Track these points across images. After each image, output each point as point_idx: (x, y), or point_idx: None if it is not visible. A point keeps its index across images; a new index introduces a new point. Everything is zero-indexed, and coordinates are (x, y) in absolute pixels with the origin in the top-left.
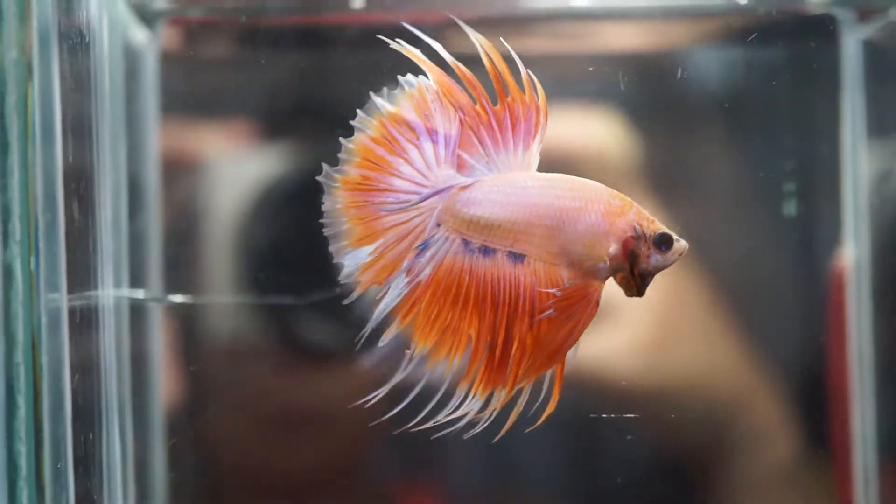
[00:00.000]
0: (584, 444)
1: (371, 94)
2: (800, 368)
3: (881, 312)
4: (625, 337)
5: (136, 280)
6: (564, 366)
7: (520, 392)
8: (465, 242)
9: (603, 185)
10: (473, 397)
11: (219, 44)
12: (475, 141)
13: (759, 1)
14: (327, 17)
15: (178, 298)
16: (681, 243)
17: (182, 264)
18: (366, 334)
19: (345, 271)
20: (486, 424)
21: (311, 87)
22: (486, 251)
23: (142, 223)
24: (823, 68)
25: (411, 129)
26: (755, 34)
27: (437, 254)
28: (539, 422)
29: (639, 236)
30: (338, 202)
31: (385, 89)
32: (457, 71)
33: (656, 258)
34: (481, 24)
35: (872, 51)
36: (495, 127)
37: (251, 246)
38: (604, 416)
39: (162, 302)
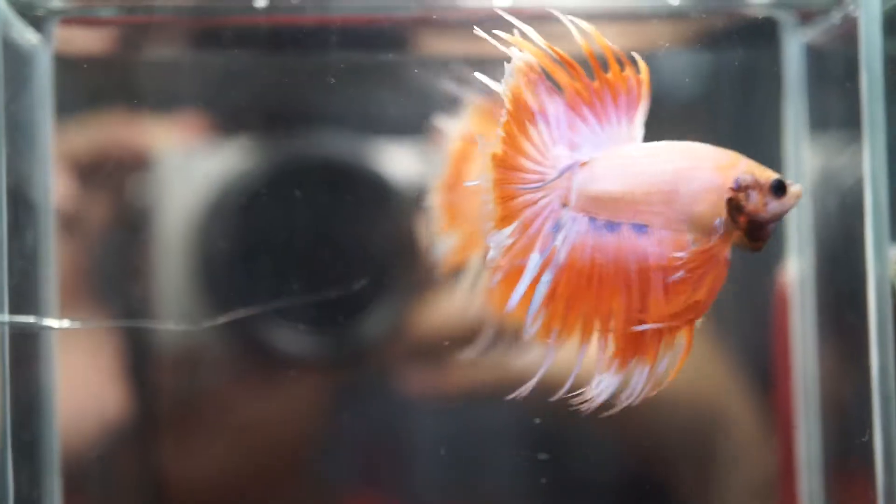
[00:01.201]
0: (557, 456)
1: (506, 63)
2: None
3: (826, 331)
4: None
5: (26, 302)
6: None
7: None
8: (591, 220)
9: (707, 144)
10: (614, 374)
11: (119, 43)
12: (579, 120)
13: (700, 4)
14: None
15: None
16: (796, 187)
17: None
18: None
19: (490, 255)
20: (631, 400)
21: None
22: (611, 227)
23: (31, 238)
24: (765, 72)
25: (529, 109)
26: (667, 44)
27: (569, 235)
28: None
29: (753, 185)
30: (488, 179)
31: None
32: (553, 53)
33: (773, 205)
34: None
35: (814, 54)
36: (598, 104)
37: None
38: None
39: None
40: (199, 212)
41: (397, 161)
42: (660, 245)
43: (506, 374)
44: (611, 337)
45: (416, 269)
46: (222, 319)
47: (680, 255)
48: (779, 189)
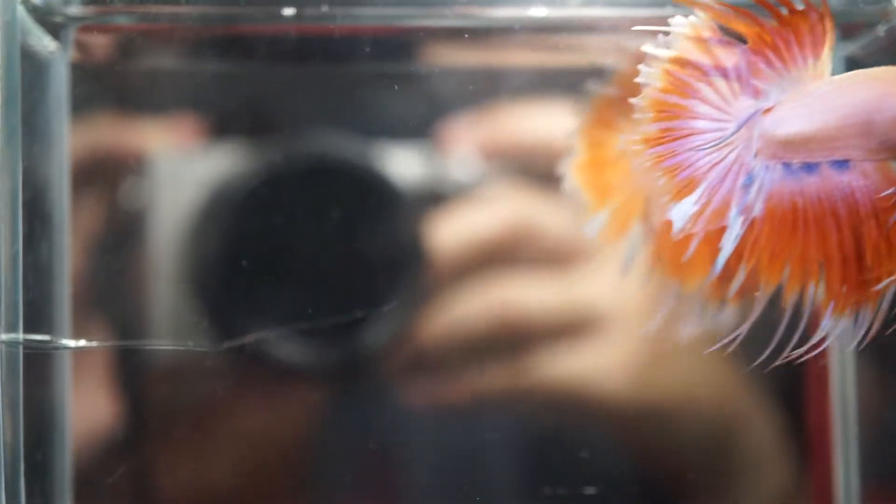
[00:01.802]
0: (564, 465)
1: (646, 46)
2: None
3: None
4: (613, 352)
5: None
6: None
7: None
8: (786, 166)
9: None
10: (841, 319)
11: (137, 51)
12: (764, 66)
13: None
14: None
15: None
16: None
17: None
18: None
19: (675, 228)
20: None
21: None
22: (808, 168)
23: (46, 252)
24: None
25: (698, 68)
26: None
27: (763, 185)
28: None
29: None
30: (646, 161)
31: (660, 36)
32: (724, 6)
33: None
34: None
35: (853, 67)
36: (782, 46)
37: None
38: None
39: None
40: (195, 215)
41: (401, 163)
42: (865, 177)
43: (512, 383)
44: (823, 283)
45: (422, 275)
46: (241, 341)
47: (890, 191)
48: None
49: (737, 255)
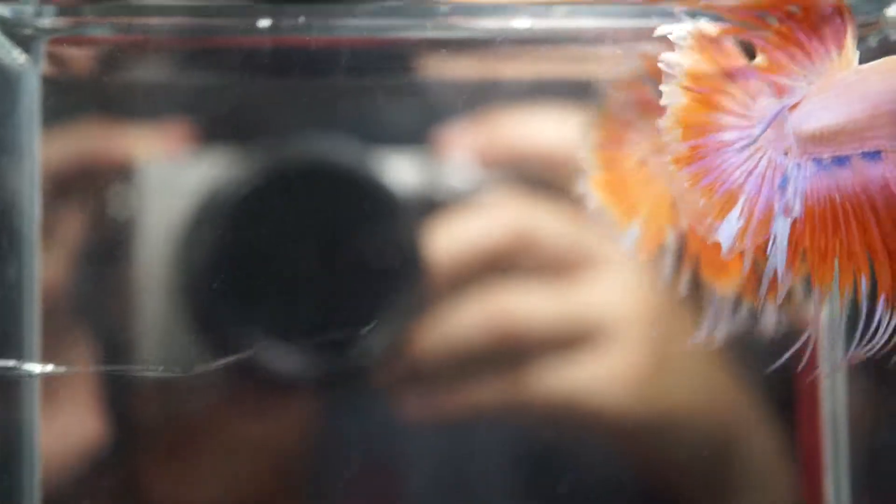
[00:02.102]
0: (563, 477)
1: (660, 59)
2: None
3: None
4: (614, 364)
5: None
6: None
7: None
8: (817, 161)
9: None
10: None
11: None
12: (787, 61)
13: None
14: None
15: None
16: None
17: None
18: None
19: (724, 248)
20: None
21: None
22: (840, 161)
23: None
24: None
25: (714, 78)
26: None
27: (798, 184)
28: None
29: None
30: (683, 183)
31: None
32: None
33: None
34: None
35: None
36: (803, 40)
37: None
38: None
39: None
40: (186, 224)
41: (397, 170)
42: None
43: (509, 395)
44: (869, 277)
45: (419, 284)
46: (214, 364)
47: None
48: None
49: (788, 258)
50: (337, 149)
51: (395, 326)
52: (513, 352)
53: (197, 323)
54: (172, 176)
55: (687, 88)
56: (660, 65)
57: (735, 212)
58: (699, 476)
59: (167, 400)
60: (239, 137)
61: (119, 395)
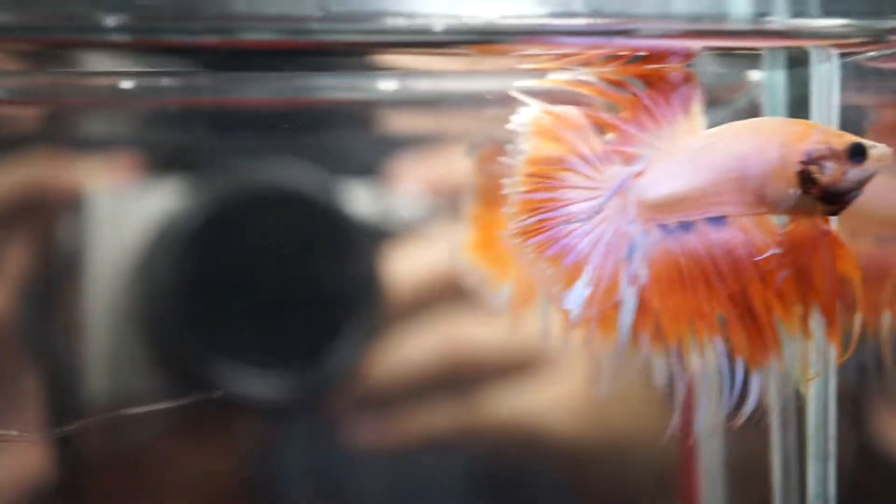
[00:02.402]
0: (512, 501)
1: (507, 154)
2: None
3: None
4: (562, 391)
5: None
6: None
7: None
8: (663, 227)
9: (776, 118)
10: (753, 375)
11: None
12: (636, 130)
13: None
14: None
15: None
16: (878, 148)
17: None
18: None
19: (572, 315)
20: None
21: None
22: (685, 227)
23: None
24: None
25: (554, 160)
26: None
27: (645, 251)
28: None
29: (827, 155)
30: (529, 254)
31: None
32: (595, 82)
33: (854, 172)
34: None
35: None
36: (651, 107)
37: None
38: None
39: None
40: (141, 252)
41: (352, 198)
42: (744, 232)
43: (460, 421)
44: (720, 339)
45: (374, 310)
46: (70, 428)
47: (769, 253)
48: (857, 153)
49: (637, 323)
50: (294, 177)
51: (352, 352)
52: (464, 379)
53: (153, 351)
54: (124, 205)
55: (527, 175)
56: (502, 159)
57: (582, 281)
58: (645, 498)
59: (115, 433)
60: (193, 167)
61: (64, 422)
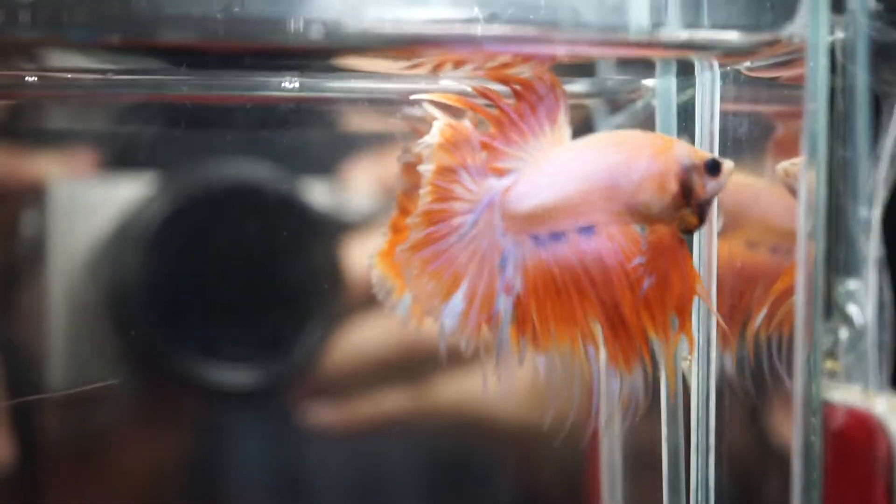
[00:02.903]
0: (462, 488)
1: (420, 168)
2: None
3: None
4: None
5: None
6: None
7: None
8: (534, 238)
9: (639, 130)
10: (624, 380)
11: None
12: (504, 146)
13: None
14: None
15: None
16: (728, 164)
17: None
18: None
19: (447, 330)
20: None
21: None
22: (556, 237)
23: None
24: None
25: (450, 171)
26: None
27: (517, 262)
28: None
29: (691, 167)
30: (414, 268)
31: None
32: (453, 100)
33: (711, 184)
34: None
35: None
36: (517, 120)
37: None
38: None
39: None
40: (104, 245)
41: (312, 192)
42: (611, 241)
43: (416, 405)
44: (598, 344)
45: (334, 300)
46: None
47: (636, 262)
48: (714, 167)
49: (517, 330)
50: (256, 172)
51: (313, 342)
52: (416, 365)
53: (116, 342)
54: (87, 197)
55: (433, 185)
56: (419, 168)
57: (458, 294)
58: (564, 488)
59: (75, 419)
60: (154, 161)
61: (24, 416)
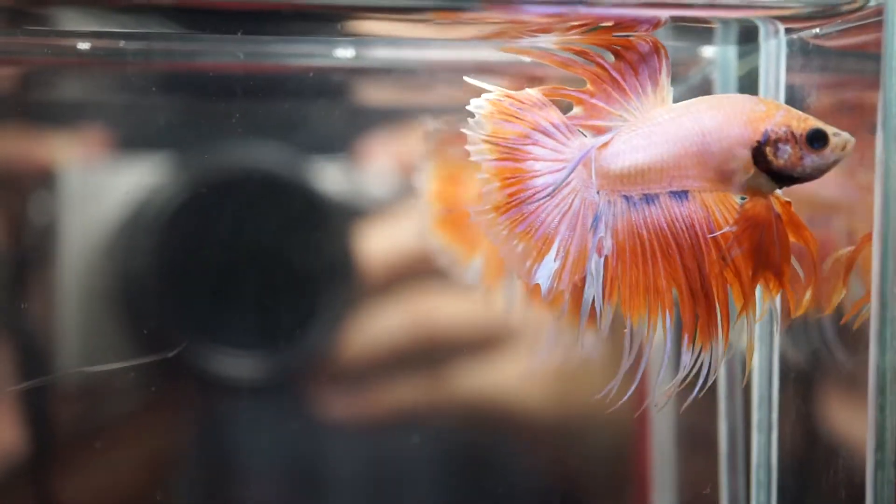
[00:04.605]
0: (480, 474)
1: (463, 129)
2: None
3: None
4: (525, 364)
5: None
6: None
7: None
8: (626, 199)
9: (745, 95)
10: (700, 352)
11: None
12: (604, 103)
13: None
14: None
15: None
16: (840, 137)
17: None
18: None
19: (544, 290)
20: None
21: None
22: (648, 200)
23: None
24: None
25: (518, 135)
26: None
27: (609, 222)
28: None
29: (785, 138)
30: (502, 230)
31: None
32: (557, 53)
33: (812, 158)
34: None
35: None
36: (619, 78)
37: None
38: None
39: None
40: (117, 230)
41: (326, 176)
42: (704, 208)
43: (433, 396)
44: (684, 311)
45: (348, 288)
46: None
47: (726, 230)
48: (816, 140)
49: (606, 291)
50: (270, 158)
51: (326, 330)
52: (433, 354)
53: (127, 329)
54: (99, 183)
55: (493, 144)
56: (463, 130)
57: (551, 254)
58: (609, 471)
59: (88, 407)
60: (171, 147)
61: (36, 404)
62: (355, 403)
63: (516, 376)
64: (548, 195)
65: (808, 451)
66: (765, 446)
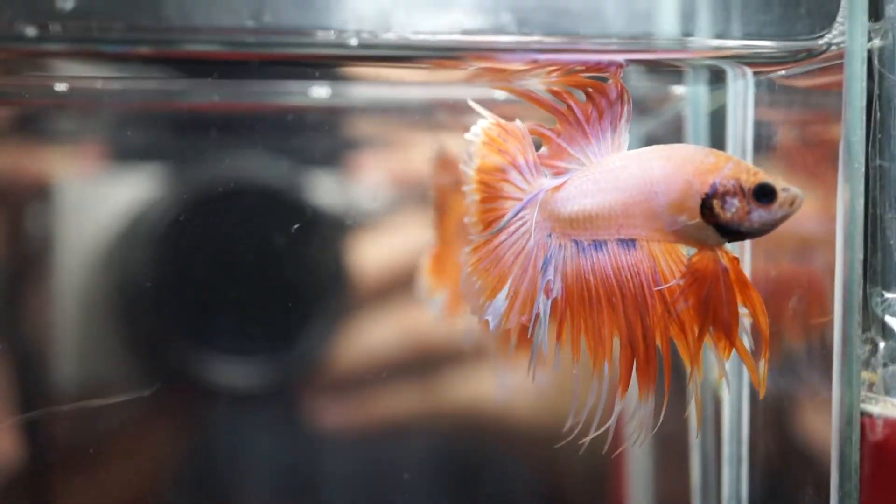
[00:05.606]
0: (472, 484)
1: (461, 166)
2: None
3: None
4: (516, 377)
5: None
6: (737, 348)
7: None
8: (576, 243)
9: (696, 146)
10: (640, 402)
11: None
12: (568, 144)
13: None
14: None
15: None
16: (789, 192)
17: None
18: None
19: (491, 326)
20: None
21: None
22: (597, 246)
23: None
24: None
25: (497, 170)
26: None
27: (558, 265)
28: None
29: (733, 191)
30: (468, 266)
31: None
32: (535, 93)
33: (759, 213)
34: None
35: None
36: (583, 121)
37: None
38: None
39: None
40: (112, 242)
41: (321, 188)
42: (651, 258)
43: (426, 406)
44: (623, 360)
45: (342, 297)
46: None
47: (673, 283)
48: (764, 195)
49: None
50: (264, 171)
51: (320, 340)
52: (425, 364)
53: (123, 339)
54: (94, 195)
55: (480, 184)
56: (460, 167)
57: (503, 292)
58: (598, 482)
59: (82, 416)
60: (162, 160)
61: (32, 408)
62: (349, 413)
63: (509, 388)
64: (496, 231)
65: (778, 483)
66: (735, 479)
